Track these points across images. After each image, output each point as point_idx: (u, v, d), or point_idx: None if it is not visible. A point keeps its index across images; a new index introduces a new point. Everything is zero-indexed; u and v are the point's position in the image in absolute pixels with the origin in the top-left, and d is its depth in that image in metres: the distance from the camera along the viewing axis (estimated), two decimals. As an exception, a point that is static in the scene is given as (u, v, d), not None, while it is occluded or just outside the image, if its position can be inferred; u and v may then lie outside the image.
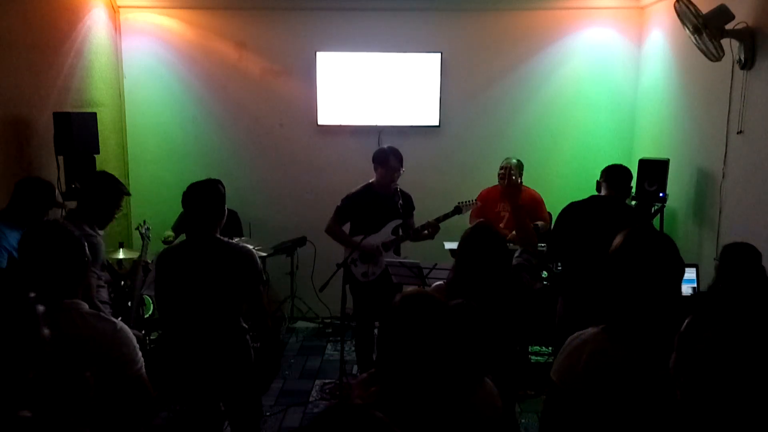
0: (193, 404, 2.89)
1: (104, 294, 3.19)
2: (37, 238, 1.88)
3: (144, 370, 1.89)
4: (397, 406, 1.61)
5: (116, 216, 3.23)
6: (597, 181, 3.91)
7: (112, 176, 3.30)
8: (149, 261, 3.66)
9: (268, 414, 4.01)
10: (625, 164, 5.39)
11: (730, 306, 1.42)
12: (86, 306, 1.89)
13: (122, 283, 3.83)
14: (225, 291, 2.71)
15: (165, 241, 4.78)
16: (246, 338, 2.82)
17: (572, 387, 1.74)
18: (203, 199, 2.71)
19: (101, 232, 3.63)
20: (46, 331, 1.42)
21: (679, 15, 3.75)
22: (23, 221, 3.22)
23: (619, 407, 1.67)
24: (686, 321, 1.43)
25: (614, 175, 3.81)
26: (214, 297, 2.70)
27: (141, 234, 3.90)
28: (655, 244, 1.75)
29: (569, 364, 1.77)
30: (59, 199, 3.48)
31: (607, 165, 3.92)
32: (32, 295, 1.42)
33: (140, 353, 1.90)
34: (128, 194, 3.25)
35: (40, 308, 1.45)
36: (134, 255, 4.24)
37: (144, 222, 4.01)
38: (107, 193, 3.15)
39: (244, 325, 2.83)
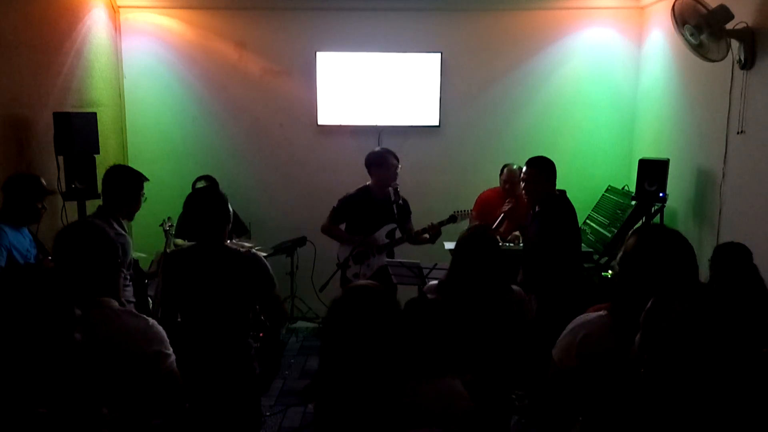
0: (194, 405, 2.88)
1: (129, 293, 3.18)
2: (74, 237, 1.92)
3: (175, 365, 1.92)
4: (340, 396, 1.64)
5: (140, 200, 3.26)
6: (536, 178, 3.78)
7: (126, 167, 3.32)
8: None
9: (268, 414, 4.01)
10: (625, 164, 5.47)
11: (691, 288, 1.42)
12: (117, 303, 1.92)
13: (146, 281, 3.82)
14: (232, 302, 2.65)
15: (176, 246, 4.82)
16: (251, 355, 2.76)
17: (567, 365, 1.77)
18: (208, 206, 2.66)
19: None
20: (78, 335, 1.43)
21: (677, 15, 3.74)
22: (20, 218, 3.23)
23: (612, 387, 1.68)
24: (652, 300, 1.43)
25: (549, 168, 3.73)
26: (220, 308, 2.65)
27: (165, 231, 3.91)
28: (670, 243, 1.75)
29: (567, 342, 1.80)
30: (50, 187, 3.48)
31: (531, 157, 3.83)
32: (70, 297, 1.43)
33: (171, 348, 1.93)
34: (146, 179, 3.28)
35: (78, 312, 1.46)
36: (138, 255, 4.22)
37: (168, 218, 4.02)
38: (127, 184, 3.18)
39: (251, 340, 2.78)
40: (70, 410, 1.48)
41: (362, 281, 1.81)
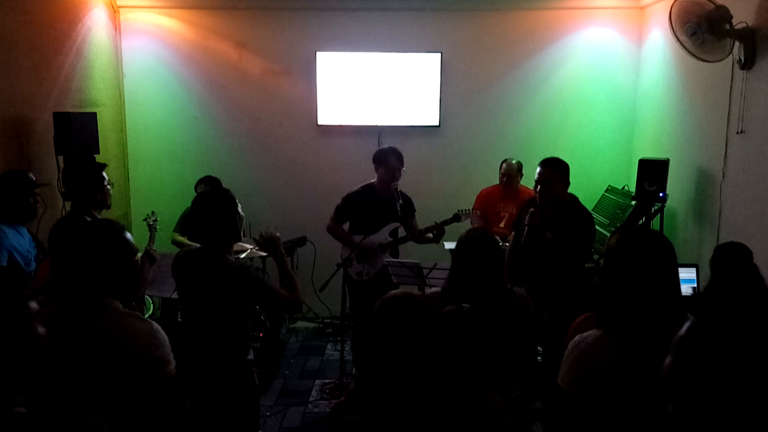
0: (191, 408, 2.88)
1: None
2: (84, 236, 1.92)
3: (175, 370, 1.92)
4: (381, 415, 1.50)
5: (109, 188, 3.24)
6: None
7: (82, 161, 3.31)
8: (156, 249, 3.68)
9: (268, 414, 4.01)
10: (625, 164, 5.47)
11: (732, 310, 1.35)
12: (121, 305, 1.91)
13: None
14: (225, 312, 2.61)
15: (174, 242, 4.84)
16: (247, 361, 2.71)
17: (581, 393, 1.72)
18: (213, 213, 2.59)
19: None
20: (41, 329, 1.42)
21: (677, 14, 3.73)
22: (15, 216, 3.22)
23: (629, 410, 1.65)
24: (687, 324, 1.37)
25: (565, 169, 3.63)
26: (216, 317, 2.63)
27: (149, 225, 3.92)
28: (651, 244, 1.74)
29: (577, 370, 1.75)
30: (40, 180, 3.47)
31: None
32: (26, 292, 1.42)
33: (172, 354, 1.93)
34: (105, 165, 3.31)
35: (33, 306, 1.45)
36: (139, 255, 4.23)
37: (152, 213, 4.04)
38: (87, 177, 3.16)
39: (250, 357, 2.74)
40: (50, 408, 1.48)
41: (397, 291, 1.68)
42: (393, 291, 1.65)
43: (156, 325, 1.91)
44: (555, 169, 3.57)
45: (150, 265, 3.54)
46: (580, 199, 3.79)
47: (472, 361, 1.78)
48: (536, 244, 3.60)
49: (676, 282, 1.76)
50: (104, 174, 3.23)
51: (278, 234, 2.79)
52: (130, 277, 1.96)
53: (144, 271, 3.54)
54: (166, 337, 1.92)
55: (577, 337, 1.81)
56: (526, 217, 3.64)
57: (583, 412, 1.71)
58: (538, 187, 3.59)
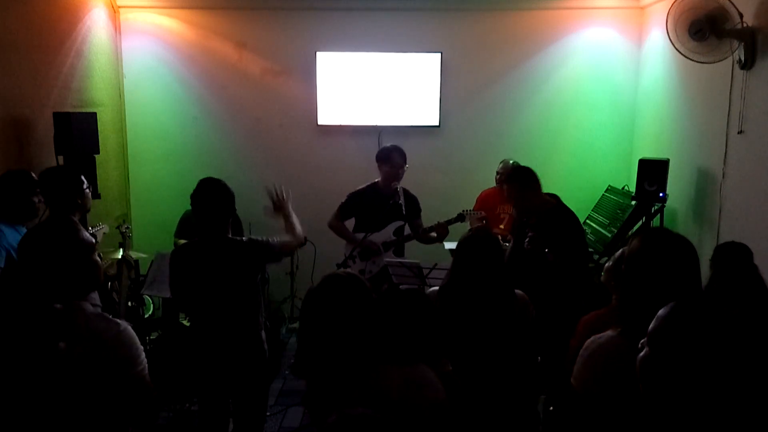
0: (203, 402, 2.91)
1: (95, 296, 3.16)
2: (47, 238, 1.88)
3: (147, 371, 1.89)
4: (316, 379, 1.77)
5: (88, 192, 3.21)
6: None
7: (57, 167, 3.36)
8: (132, 256, 3.72)
9: (268, 414, 4.00)
10: (625, 164, 5.47)
11: (713, 303, 1.36)
12: (90, 306, 1.89)
13: (109, 284, 3.85)
14: (240, 290, 2.79)
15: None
16: (260, 335, 2.89)
17: (592, 393, 1.72)
18: (215, 199, 2.77)
19: (104, 226, 3.63)
20: (62, 344, 1.41)
21: (676, 15, 3.73)
22: (17, 216, 3.20)
23: (639, 411, 1.66)
24: (660, 314, 1.37)
25: (529, 177, 3.49)
26: (229, 296, 2.77)
27: (122, 233, 3.94)
28: (674, 246, 1.73)
29: (588, 369, 1.75)
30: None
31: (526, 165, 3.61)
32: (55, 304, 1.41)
33: (143, 355, 1.90)
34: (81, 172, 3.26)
35: (58, 307, 1.43)
36: (138, 255, 4.24)
37: (124, 221, 4.06)
38: (66, 183, 3.12)
39: (261, 322, 2.92)
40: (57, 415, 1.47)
41: (340, 270, 1.91)
42: (337, 270, 1.82)
43: (124, 326, 1.86)
44: (519, 184, 3.47)
45: (128, 269, 3.56)
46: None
47: (400, 334, 1.91)
48: (536, 264, 3.50)
49: (698, 284, 1.75)
50: (83, 178, 3.19)
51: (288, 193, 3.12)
52: (91, 275, 1.92)
53: (123, 274, 3.57)
54: (134, 339, 1.87)
55: (591, 338, 1.81)
56: (526, 242, 3.54)
57: (594, 412, 1.72)
58: (512, 201, 3.54)
